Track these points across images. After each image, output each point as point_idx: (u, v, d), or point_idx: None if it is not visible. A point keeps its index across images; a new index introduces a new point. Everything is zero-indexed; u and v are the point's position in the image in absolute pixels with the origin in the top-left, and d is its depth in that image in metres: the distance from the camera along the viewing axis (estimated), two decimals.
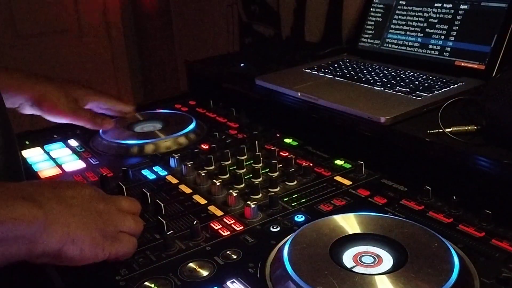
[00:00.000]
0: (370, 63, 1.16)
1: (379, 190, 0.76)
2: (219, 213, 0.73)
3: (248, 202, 0.72)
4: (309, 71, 1.15)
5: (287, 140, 0.97)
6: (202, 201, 0.77)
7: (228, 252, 0.63)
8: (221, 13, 2.05)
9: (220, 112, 1.14)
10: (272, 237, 0.66)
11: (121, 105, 1.05)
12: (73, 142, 1.02)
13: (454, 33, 1.05)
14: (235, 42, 2.00)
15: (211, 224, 0.70)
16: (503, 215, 0.66)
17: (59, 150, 0.98)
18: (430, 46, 1.09)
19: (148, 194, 0.77)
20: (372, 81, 1.03)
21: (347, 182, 0.80)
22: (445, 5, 1.08)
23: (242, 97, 1.17)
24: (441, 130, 0.78)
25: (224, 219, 0.71)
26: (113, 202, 0.63)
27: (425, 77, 1.02)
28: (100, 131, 1.01)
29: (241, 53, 1.86)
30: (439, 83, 0.98)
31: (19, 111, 0.93)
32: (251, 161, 0.88)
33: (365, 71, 1.10)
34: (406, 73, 1.06)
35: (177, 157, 0.89)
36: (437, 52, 1.07)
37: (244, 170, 0.85)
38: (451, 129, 0.79)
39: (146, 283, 0.59)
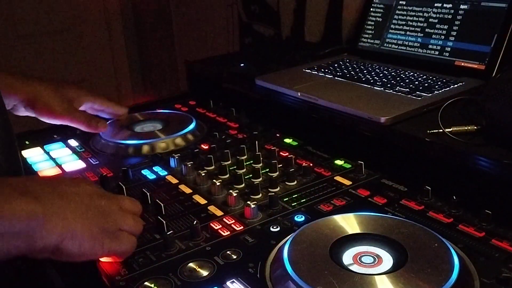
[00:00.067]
0: (370, 63, 1.16)
1: (379, 190, 0.76)
2: (219, 213, 0.73)
3: (248, 202, 0.72)
4: (309, 71, 1.15)
5: (287, 140, 0.97)
6: (202, 201, 0.77)
7: (228, 252, 0.63)
8: (221, 13, 2.05)
9: (220, 112, 1.14)
10: (272, 237, 0.66)
11: (115, 107, 1.04)
12: (73, 142, 1.02)
13: (454, 33, 1.05)
14: (235, 42, 2.00)
15: (211, 224, 0.70)
16: (503, 215, 0.65)
17: (59, 150, 0.98)
18: (430, 46, 1.09)
19: (148, 194, 0.77)
20: (372, 81, 1.03)
21: (347, 182, 0.80)
22: (445, 5, 1.08)
23: (242, 97, 1.17)
24: (441, 130, 0.78)
25: (224, 219, 0.71)
26: (114, 200, 0.63)
27: (425, 77, 1.02)
28: None
29: (241, 53, 1.86)
30: (439, 83, 0.98)
31: (13, 112, 0.92)
32: (251, 161, 0.88)
33: (365, 71, 1.10)
34: (406, 73, 1.06)
35: (177, 157, 0.89)
36: (437, 52, 1.07)
37: (244, 170, 0.85)
38: (451, 129, 0.79)
39: (146, 283, 0.59)
